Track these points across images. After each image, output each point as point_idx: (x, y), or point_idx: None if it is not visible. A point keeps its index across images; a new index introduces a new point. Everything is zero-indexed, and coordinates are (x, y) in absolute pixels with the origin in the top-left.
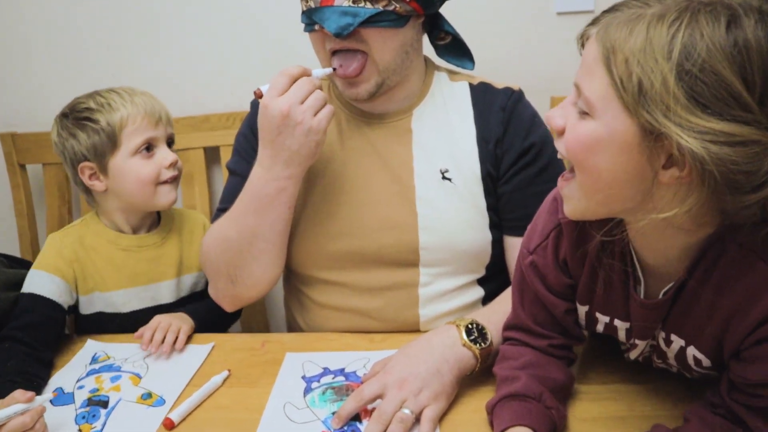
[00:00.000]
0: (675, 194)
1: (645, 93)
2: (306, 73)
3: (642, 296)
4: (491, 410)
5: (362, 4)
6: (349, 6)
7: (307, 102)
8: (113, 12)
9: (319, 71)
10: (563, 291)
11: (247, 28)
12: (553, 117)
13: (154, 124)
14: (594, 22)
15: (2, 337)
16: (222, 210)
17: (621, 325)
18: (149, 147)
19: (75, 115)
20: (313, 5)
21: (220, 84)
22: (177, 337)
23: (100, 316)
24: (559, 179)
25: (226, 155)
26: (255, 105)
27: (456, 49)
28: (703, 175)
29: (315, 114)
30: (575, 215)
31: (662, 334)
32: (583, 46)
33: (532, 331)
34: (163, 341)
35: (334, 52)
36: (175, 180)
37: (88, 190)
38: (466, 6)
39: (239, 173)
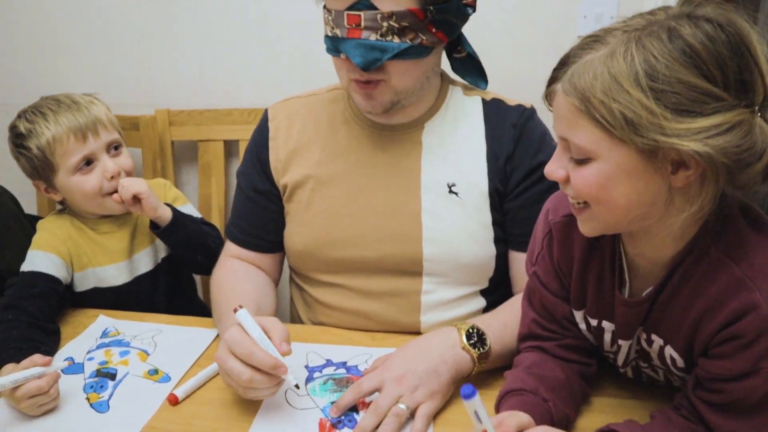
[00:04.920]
0: (691, 191)
1: (632, 122)
2: None
3: (626, 296)
4: (496, 409)
5: (390, 38)
6: (377, 40)
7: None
8: (144, 5)
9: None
10: (565, 295)
11: (275, 26)
12: (553, 171)
13: (82, 140)
14: (552, 81)
15: (6, 306)
16: (233, 225)
17: (608, 327)
18: (89, 161)
19: (12, 140)
20: (339, 34)
21: (245, 80)
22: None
23: (95, 291)
24: (573, 209)
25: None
26: (264, 118)
27: (471, 67)
28: (715, 167)
29: None
30: (594, 233)
31: (644, 335)
32: (550, 104)
33: (540, 335)
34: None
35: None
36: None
37: None
38: (489, 26)
39: (243, 189)
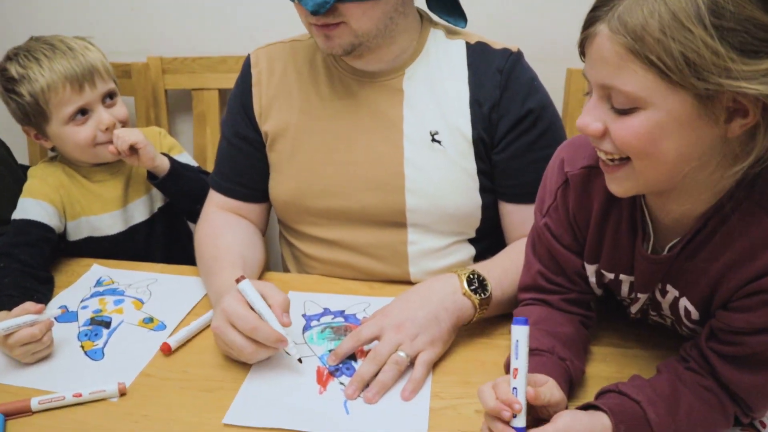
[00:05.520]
0: (743, 141)
1: (693, 64)
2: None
3: (649, 251)
4: (507, 368)
5: None
6: None
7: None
8: None
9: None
10: (578, 249)
11: None
12: (588, 124)
13: (78, 90)
14: (591, 23)
15: None
16: (217, 174)
17: (626, 279)
18: (83, 111)
19: (2, 83)
20: None
21: (239, 27)
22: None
23: (89, 241)
24: (605, 166)
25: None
26: (247, 63)
27: (448, 5)
28: None
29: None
30: (628, 194)
31: (658, 286)
32: (582, 54)
33: (544, 288)
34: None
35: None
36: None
37: None
38: None
39: (226, 136)
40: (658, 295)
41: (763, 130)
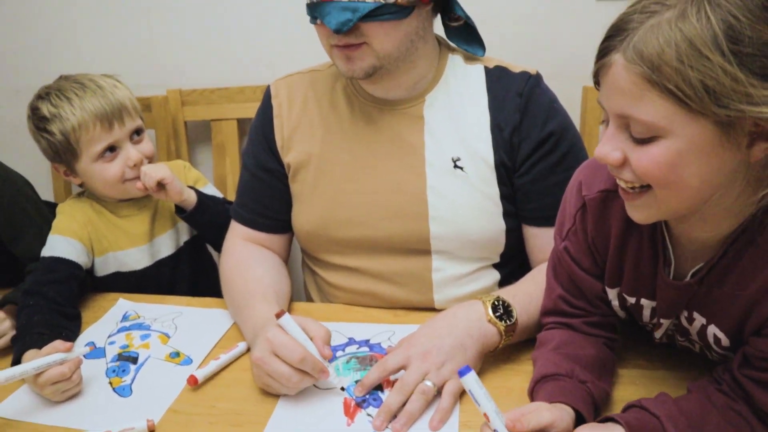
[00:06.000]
0: (766, 165)
1: (713, 91)
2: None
3: (671, 277)
4: (530, 395)
5: None
6: (349, 1)
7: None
8: None
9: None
10: (598, 273)
11: (284, 1)
12: (607, 153)
13: (108, 128)
14: (606, 53)
15: (27, 291)
16: (239, 205)
17: (647, 304)
18: (112, 148)
19: (34, 122)
20: (315, 0)
21: (256, 57)
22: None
23: (116, 276)
24: (625, 194)
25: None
26: (267, 95)
27: (467, 34)
28: None
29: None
30: (650, 221)
31: (684, 313)
32: (597, 83)
33: (566, 312)
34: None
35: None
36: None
37: None
38: None
39: (248, 168)
40: (684, 322)
41: None
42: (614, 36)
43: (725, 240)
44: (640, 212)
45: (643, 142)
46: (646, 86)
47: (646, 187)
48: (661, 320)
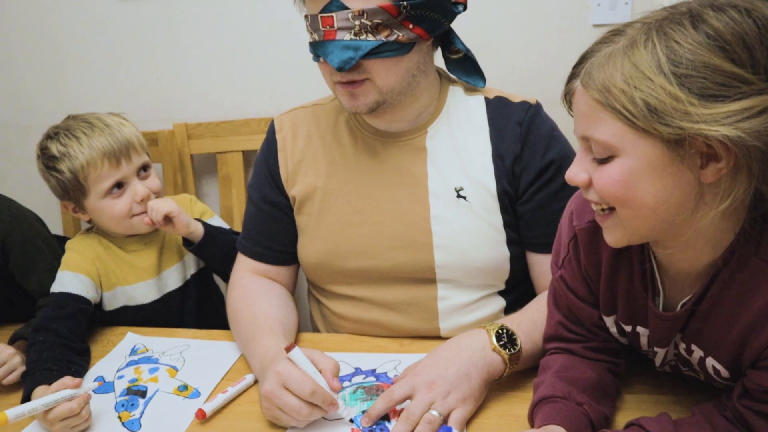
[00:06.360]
0: (722, 186)
1: (655, 110)
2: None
3: (661, 308)
4: (530, 419)
5: (364, 37)
6: (351, 40)
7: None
8: (154, 16)
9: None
10: (593, 301)
11: (288, 35)
12: (575, 175)
13: (116, 165)
14: (571, 79)
15: (37, 327)
16: (246, 238)
17: (643, 332)
18: (120, 184)
19: (43, 161)
20: (317, 38)
21: (259, 89)
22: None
23: (124, 310)
24: (597, 217)
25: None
26: (271, 129)
27: (467, 66)
28: (748, 154)
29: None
30: (620, 244)
31: (683, 345)
32: (569, 104)
33: (565, 338)
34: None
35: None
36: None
37: None
38: (502, 16)
39: (254, 201)
40: (684, 353)
41: (742, 174)
42: (577, 65)
43: (707, 270)
44: (609, 234)
45: (602, 162)
46: (598, 108)
47: (612, 209)
48: (656, 349)
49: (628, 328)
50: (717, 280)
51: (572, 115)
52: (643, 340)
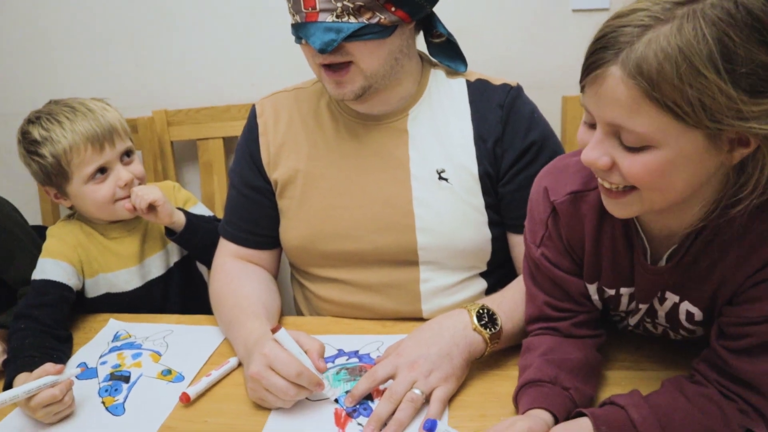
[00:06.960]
0: (749, 167)
1: (708, 108)
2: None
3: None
4: (515, 401)
5: (346, 19)
6: (333, 22)
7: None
8: (132, 2)
9: None
10: (578, 271)
11: (268, 20)
12: (597, 159)
13: (99, 150)
14: (598, 65)
15: (18, 315)
16: (227, 223)
17: (626, 292)
18: (103, 170)
19: (24, 146)
20: (299, 20)
21: (240, 75)
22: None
23: (107, 297)
24: (608, 192)
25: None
26: (252, 114)
27: (449, 50)
28: None
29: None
30: (631, 215)
31: (657, 293)
32: (583, 89)
33: (551, 317)
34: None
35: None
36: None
37: None
38: (483, 1)
39: (235, 186)
40: (656, 304)
41: (764, 155)
42: (607, 48)
43: (696, 224)
44: (622, 209)
45: (633, 150)
46: (643, 100)
47: (630, 187)
48: (640, 305)
49: (611, 292)
50: (702, 234)
51: (584, 93)
52: (624, 300)
